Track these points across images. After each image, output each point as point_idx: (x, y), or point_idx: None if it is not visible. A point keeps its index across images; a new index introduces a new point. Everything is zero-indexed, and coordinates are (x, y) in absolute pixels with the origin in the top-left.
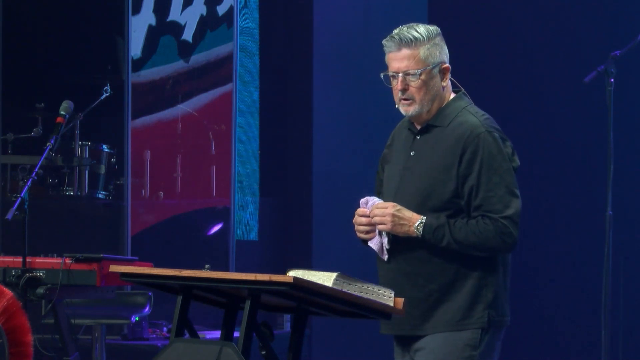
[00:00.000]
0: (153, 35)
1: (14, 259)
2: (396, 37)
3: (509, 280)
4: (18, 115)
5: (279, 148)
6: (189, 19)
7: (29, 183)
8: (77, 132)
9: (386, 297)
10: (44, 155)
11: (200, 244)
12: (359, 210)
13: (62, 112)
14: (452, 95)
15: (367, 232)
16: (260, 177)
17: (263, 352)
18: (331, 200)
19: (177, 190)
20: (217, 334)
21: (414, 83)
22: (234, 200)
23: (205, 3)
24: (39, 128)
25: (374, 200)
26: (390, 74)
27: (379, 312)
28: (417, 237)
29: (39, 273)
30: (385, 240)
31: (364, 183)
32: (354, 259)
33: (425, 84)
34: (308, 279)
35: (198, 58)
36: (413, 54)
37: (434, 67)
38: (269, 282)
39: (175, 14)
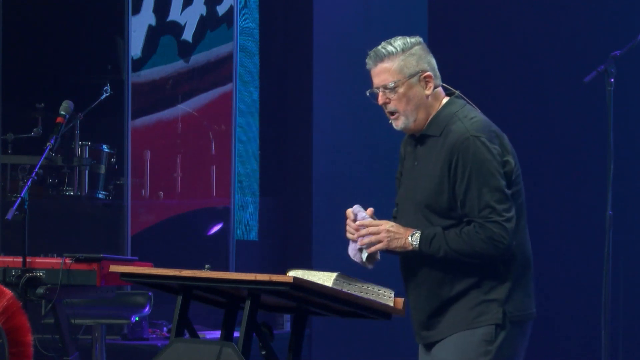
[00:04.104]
0: (153, 35)
1: (14, 259)
2: (372, 53)
3: (531, 272)
4: (18, 115)
5: (279, 148)
6: (189, 19)
7: (29, 183)
8: (77, 132)
9: (386, 297)
10: (44, 155)
11: (200, 244)
12: (348, 213)
13: (62, 112)
14: (445, 100)
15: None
16: (260, 177)
17: (263, 352)
18: (331, 200)
19: (177, 190)
20: (217, 334)
21: (393, 96)
22: (234, 200)
23: (205, 3)
24: (39, 128)
25: (362, 214)
26: (373, 90)
27: (379, 312)
28: (413, 250)
29: (39, 273)
30: (363, 255)
31: (364, 183)
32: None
33: (405, 95)
34: (308, 279)
35: (198, 58)
36: (387, 67)
37: (411, 78)
38: (269, 282)
39: (175, 14)
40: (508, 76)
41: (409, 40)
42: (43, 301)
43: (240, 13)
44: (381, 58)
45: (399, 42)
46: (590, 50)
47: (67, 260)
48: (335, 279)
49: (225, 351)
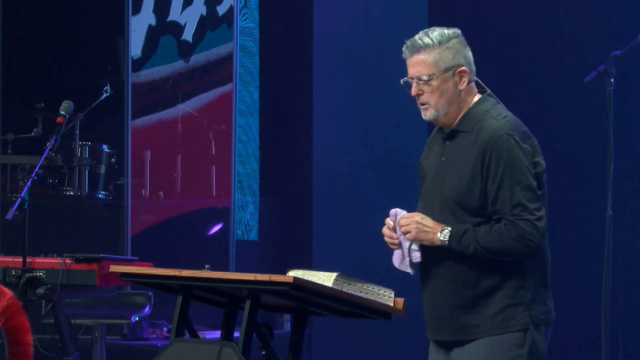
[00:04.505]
0: (153, 35)
1: (14, 259)
2: (409, 43)
3: (550, 275)
4: (18, 115)
5: (279, 148)
6: (189, 19)
7: (29, 183)
8: (77, 132)
9: (386, 297)
10: (44, 155)
11: (200, 244)
12: (388, 222)
13: (62, 112)
14: (477, 97)
15: (394, 245)
16: (260, 177)
17: (263, 352)
18: (331, 200)
19: (177, 190)
20: (217, 334)
21: (426, 88)
22: (234, 200)
23: (205, 3)
24: (39, 128)
25: (402, 212)
26: (407, 79)
27: (379, 312)
28: (441, 245)
29: (39, 273)
30: (414, 254)
31: (364, 183)
32: (354, 259)
33: (438, 89)
34: (308, 279)
35: (198, 58)
36: (423, 59)
37: (446, 72)
38: (269, 282)
39: (175, 14)
40: (508, 76)
41: (447, 32)
42: (43, 301)
43: (240, 13)
44: (417, 49)
45: (436, 34)
46: (590, 50)
47: (67, 260)
48: (335, 279)
49: (225, 351)
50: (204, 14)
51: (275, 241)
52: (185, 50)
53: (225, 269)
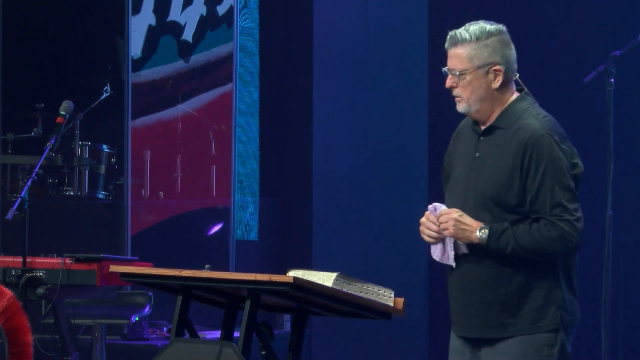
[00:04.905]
0: (153, 35)
1: (14, 259)
2: (451, 34)
3: (577, 277)
4: (18, 115)
5: (279, 148)
6: (189, 19)
7: (29, 183)
8: (77, 132)
9: (386, 297)
10: (44, 155)
11: (200, 244)
12: (430, 216)
13: (62, 112)
14: (515, 96)
15: (432, 238)
16: (260, 177)
17: (263, 352)
18: (331, 200)
19: (177, 190)
20: (217, 334)
21: (460, 82)
22: (234, 200)
23: (205, 3)
24: (39, 128)
25: (441, 207)
26: (445, 70)
27: (379, 312)
28: (479, 244)
29: (39, 273)
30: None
31: (364, 183)
32: (354, 259)
33: (470, 84)
34: (308, 279)
35: (198, 58)
36: (459, 53)
37: (479, 68)
38: (269, 282)
39: (175, 14)
40: None
41: (488, 29)
42: (43, 301)
43: (240, 13)
44: (454, 43)
45: (475, 29)
46: (590, 50)
47: (67, 260)
48: (335, 279)
49: (225, 351)
50: (204, 14)
51: (275, 241)
52: (185, 50)
53: (225, 269)
